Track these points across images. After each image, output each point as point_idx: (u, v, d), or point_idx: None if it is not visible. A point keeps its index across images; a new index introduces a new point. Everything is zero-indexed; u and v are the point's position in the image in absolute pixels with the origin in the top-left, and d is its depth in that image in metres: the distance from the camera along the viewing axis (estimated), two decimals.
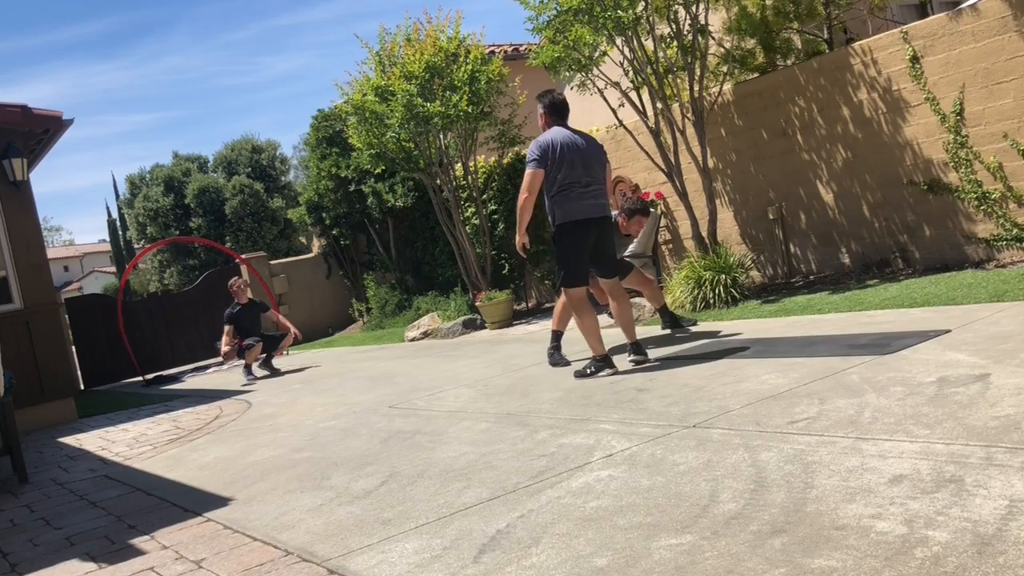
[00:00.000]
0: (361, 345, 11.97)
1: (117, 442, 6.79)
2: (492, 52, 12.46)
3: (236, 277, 10.88)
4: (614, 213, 6.43)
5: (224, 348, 10.27)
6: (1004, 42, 6.52)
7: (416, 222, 13.52)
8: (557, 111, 5.68)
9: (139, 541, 3.64)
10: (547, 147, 5.42)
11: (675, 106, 8.60)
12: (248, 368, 10.30)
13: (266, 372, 10.26)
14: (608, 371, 5.36)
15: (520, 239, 5.70)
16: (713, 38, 8.39)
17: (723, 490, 2.81)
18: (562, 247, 5.46)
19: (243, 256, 15.40)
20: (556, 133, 5.51)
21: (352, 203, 13.84)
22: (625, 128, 9.00)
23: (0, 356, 6.03)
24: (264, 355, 10.44)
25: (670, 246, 9.64)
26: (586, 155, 5.44)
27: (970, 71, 6.76)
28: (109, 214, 31.88)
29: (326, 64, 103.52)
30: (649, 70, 8.18)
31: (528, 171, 5.47)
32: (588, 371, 5.41)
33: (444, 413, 5.22)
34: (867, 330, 5.12)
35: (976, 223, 6.95)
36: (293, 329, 10.62)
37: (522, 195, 5.52)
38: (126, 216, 25.23)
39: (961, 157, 6.92)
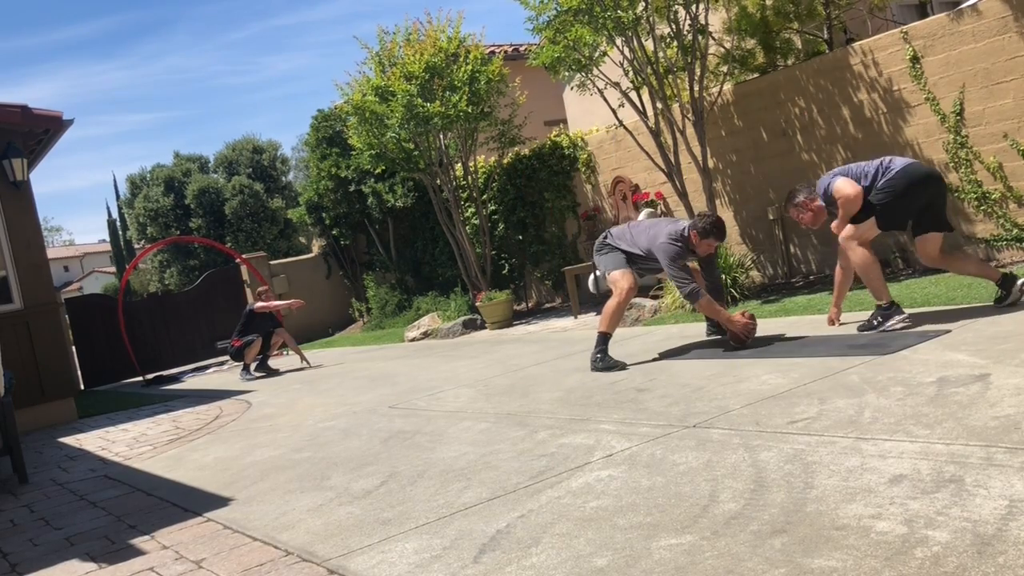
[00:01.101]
0: (361, 345, 11.97)
1: (117, 442, 6.79)
2: (492, 52, 12.46)
3: (266, 289, 11.08)
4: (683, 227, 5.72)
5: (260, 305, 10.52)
6: (1004, 42, 6.52)
7: (416, 222, 13.53)
8: None
9: (139, 541, 3.65)
10: None
11: (675, 106, 8.61)
12: (246, 368, 10.31)
13: (263, 373, 10.27)
14: (899, 317, 4.91)
15: None
16: (713, 38, 8.39)
17: (723, 490, 2.81)
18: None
19: (243, 256, 15.40)
20: None
21: (352, 203, 13.84)
22: (625, 128, 9.00)
23: (0, 356, 6.03)
24: (260, 356, 10.46)
25: None
26: None
27: (970, 71, 6.76)
28: (109, 214, 31.91)
29: (326, 64, 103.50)
30: (649, 70, 8.18)
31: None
32: (875, 322, 5.00)
33: (444, 413, 5.22)
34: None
35: (976, 223, 6.95)
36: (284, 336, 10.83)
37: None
38: (126, 216, 25.26)
39: (961, 157, 6.92)
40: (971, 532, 2.15)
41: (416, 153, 10.82)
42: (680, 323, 7.12)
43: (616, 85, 8.57)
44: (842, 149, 7.85)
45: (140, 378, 13.08)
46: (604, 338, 5.69)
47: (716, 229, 5.61)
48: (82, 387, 13.70)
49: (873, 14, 8.85)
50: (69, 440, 7.46)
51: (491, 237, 11.42)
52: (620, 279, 5.79)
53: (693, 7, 7.86)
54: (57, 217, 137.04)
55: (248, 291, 13.69)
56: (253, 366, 10.42)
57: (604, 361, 5.60)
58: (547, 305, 11.62)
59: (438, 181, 11.16)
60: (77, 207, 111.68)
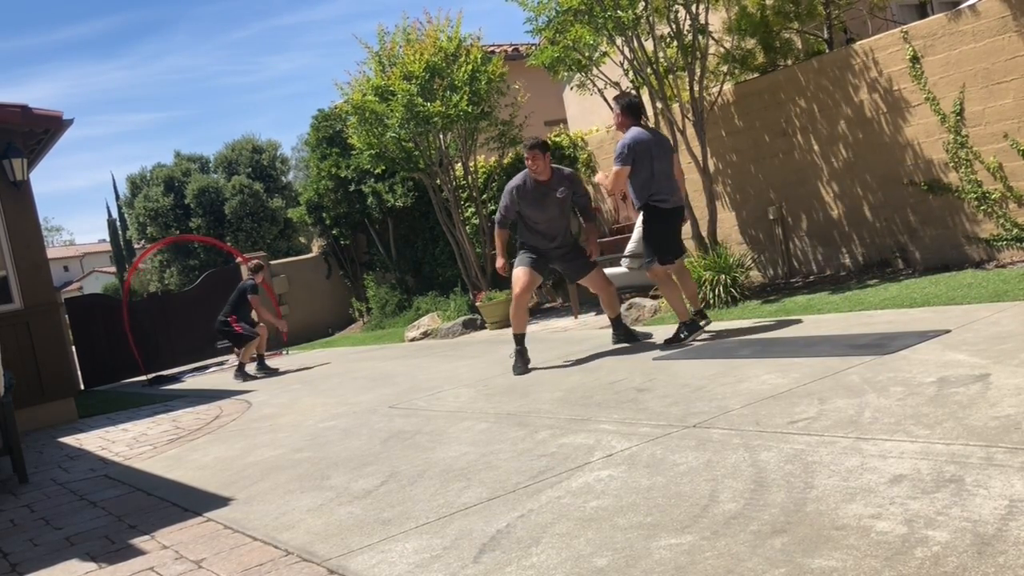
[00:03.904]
0: (361, 345, 11.97)
1: (117, 442, 6.80)
2: (492, 52, 12.45)
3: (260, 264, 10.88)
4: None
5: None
6: (1004, 42, 6.52)
7: (416, 222, 13.52)
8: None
9: (139, 541, 3.65)
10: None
11: (675, 106, 8.60)
12: (241, 368, 10.15)
13: (262, 374, 10.15)
14: (698, 334, 5.96)
15: None
16: (713, 38, 8.39)
17: (723, 490, 2.81)
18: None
19: (245, 255, 15.41)
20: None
21: (352, 203, 13.84)
22: None
23: (0, 356, 6.03)
24: (257, 356, 10.38)
25: None
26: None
27: (970, 71, 6.76)
28: (109, 214, 31.90)
29: (327, 64, 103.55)
30: (649, 70, 8.18)
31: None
32: (682, 335, 5.97)
33: (444, 413, 5.22)
34: (867, 330, 5.12)
35: (976, 223, 6.95)
36: (265, 330, 10.64)
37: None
38: (126, 216, 25.25)
39: (961, 157, 6.91)
40: (971, 532, 2.15)
41: (416, 153, 10.82)
42: None
43: (616, 85, 8.56)
44: (842, 149, 7.85)
45: (141, 378, 13.08)
46: (517, 339, 6.24)
47: (531, 145, 6.23)
48: (82, 387, 13.69)
49: (873, 14, 8.85)
50: (69, 440, 7.46)
51: (491, 237, 11.41)
52: (516, 278, 6.28)
53: (693, 7, 7.86)
54: (57, 217, 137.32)
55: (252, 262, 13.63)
56: (253, 367, 10.35)
57: (514, 364, 6.16)
58: (547, 305, 11.62)
59: (438, 181, 11.16)
60: (77, 207, 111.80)
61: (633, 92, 6.73)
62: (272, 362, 10.91)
